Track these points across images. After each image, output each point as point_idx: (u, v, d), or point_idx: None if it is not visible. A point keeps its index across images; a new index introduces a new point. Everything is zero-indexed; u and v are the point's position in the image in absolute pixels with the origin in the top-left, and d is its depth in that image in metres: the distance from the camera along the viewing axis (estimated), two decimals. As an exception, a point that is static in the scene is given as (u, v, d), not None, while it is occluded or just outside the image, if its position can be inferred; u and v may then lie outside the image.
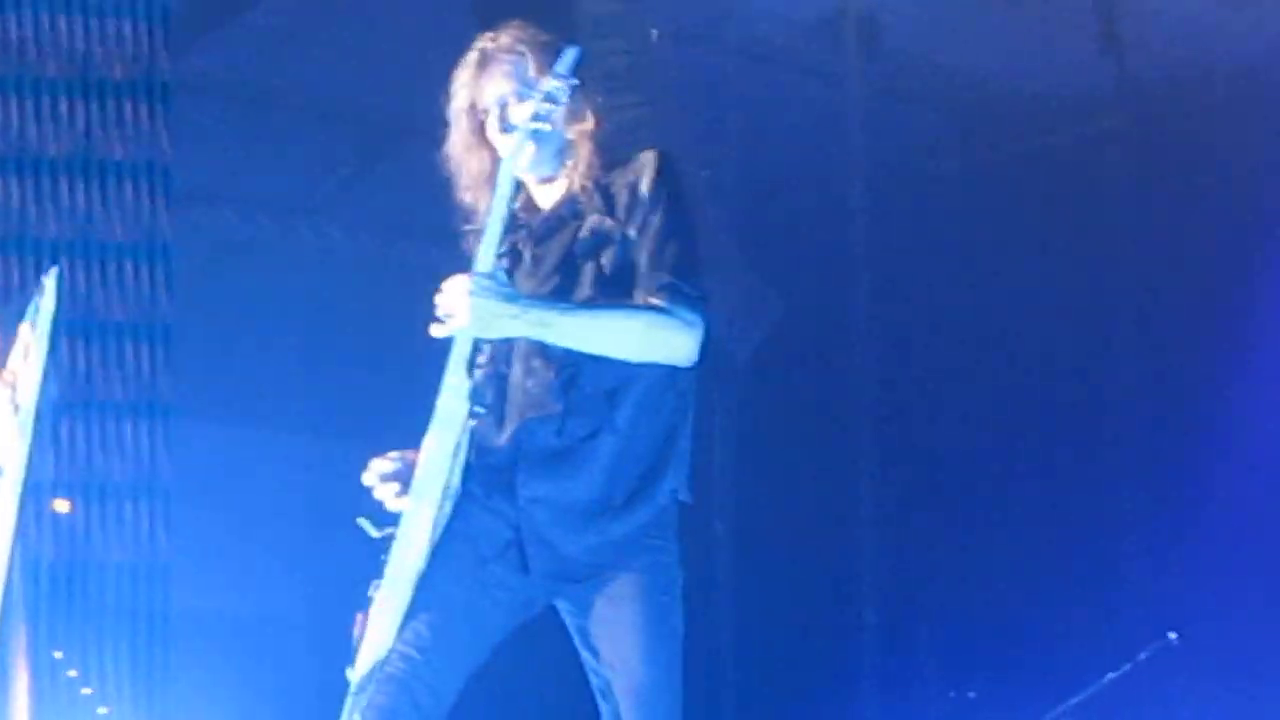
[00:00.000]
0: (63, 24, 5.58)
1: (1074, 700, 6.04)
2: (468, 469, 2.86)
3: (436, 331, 2.78)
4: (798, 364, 7.24)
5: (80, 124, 5.68)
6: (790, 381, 7.24)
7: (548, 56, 2.90)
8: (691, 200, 3.04)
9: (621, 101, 5.51)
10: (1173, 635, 6.19)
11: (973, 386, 6.80)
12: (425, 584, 2.82)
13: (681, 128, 6.47)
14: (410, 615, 2.81)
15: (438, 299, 2.78)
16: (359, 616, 2.86)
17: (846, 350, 7.25)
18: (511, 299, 2.77)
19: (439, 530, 2.82)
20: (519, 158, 2.82)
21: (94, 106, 5.57)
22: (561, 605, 2.93)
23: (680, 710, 2.93)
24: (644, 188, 2.92)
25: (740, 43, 7.39)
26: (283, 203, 8.07)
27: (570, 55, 2.78)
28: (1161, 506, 6.96)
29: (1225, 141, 7.07)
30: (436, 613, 2.82)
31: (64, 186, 5.58)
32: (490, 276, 2.77)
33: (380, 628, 2.80)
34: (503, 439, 2.87)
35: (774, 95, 7.74)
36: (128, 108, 5.63)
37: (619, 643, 2.90)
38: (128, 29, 5.71)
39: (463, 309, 2.74)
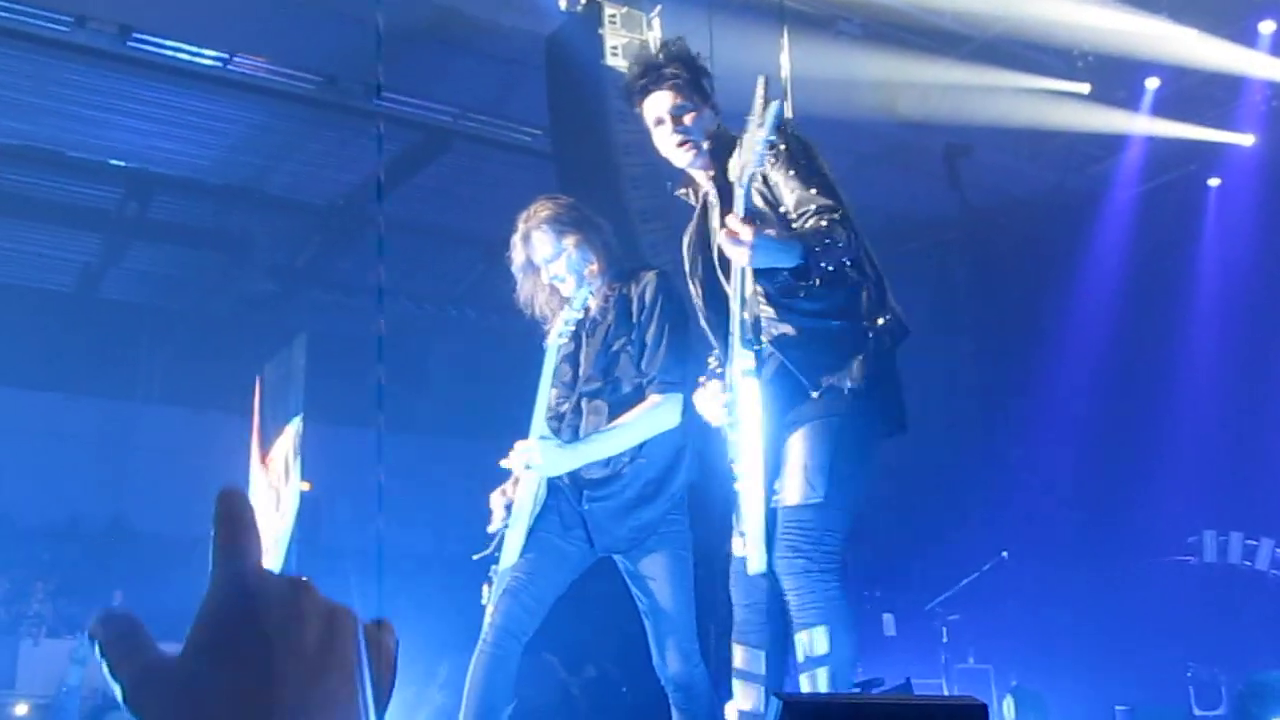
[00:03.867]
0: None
1: (943, 596, 7.89)
2: (552, 488, 3.70)
3: (519, 472, 3.60)
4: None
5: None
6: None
7: (555, 228, 3.71)
8: (679, 301, 3.71)
9: (650, 227, 7.33)
10: (1005, 553, 8.05)
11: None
12: (529, 544, 3.63)
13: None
14: (519, 560, 3.62)
15: (516, 455, 3.57)
16: (485, 587, 3.70)
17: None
18: (562, 448, 3.59)
19: (531, 528, 3.62)
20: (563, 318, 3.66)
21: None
22: (618, 560, 3.76)
23: (693, 620, 3.69)
24: (647, 298, 3.71)
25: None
26: (441, 293, 10.24)
27: (573, 254, 3.68)
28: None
29: (1025, 245, 9.04)
30: (536, 558, 3.64)
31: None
32: (545, 439, 3.57)
33: (502, 572, 3.61)
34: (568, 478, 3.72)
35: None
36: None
37: (654, 582, 3.67)
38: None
39: (538, 460, 3.55)
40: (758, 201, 3.30)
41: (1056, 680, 7.78)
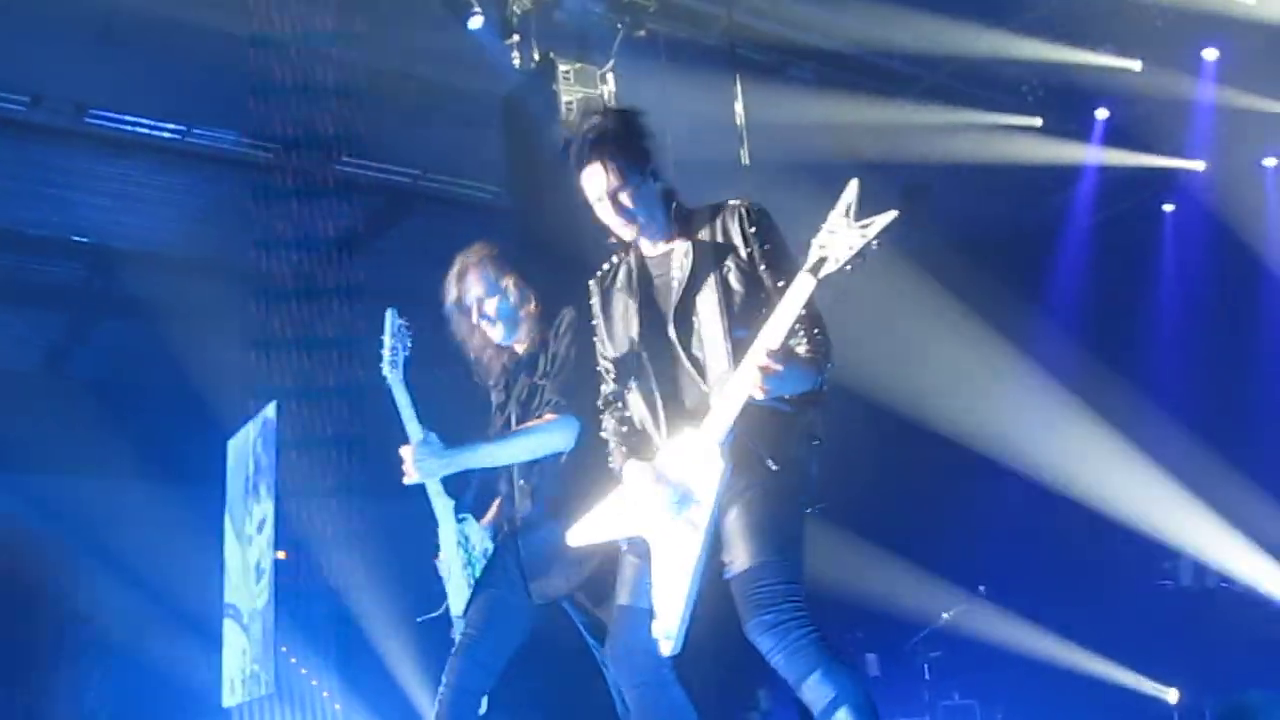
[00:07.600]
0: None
1: (923, 633, 8.11)
2: (497, 540, 3.76)
3: (406, 480, 3.62)
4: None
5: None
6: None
7: (495, 265, 3.78)
8: (588, 335, 3.58)
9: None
10: (981, 588, 8.43)
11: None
12: (474, 598, 3.62)
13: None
14: (468, 615, 3.62)
15: (404, 463, 3.58)
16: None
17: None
18: (438, 455, 3.59)
19: (478, 580, 3.65)
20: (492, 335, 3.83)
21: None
22: (568, 609, 3.76)
23: None
24: (561, 330, 3.80)
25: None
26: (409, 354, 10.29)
27: (512, 294, 3.82)
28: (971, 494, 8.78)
29: (985, 279, 8.94)
30: (484, 611, 3.64)
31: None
32: (423, 444, 3.60)
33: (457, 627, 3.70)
34: (507, 527, 3.82)
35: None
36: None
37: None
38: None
39: (412, 468, 3.56)
40: (730, 278, 3.20)
41: (1041, 713, 7.79)
